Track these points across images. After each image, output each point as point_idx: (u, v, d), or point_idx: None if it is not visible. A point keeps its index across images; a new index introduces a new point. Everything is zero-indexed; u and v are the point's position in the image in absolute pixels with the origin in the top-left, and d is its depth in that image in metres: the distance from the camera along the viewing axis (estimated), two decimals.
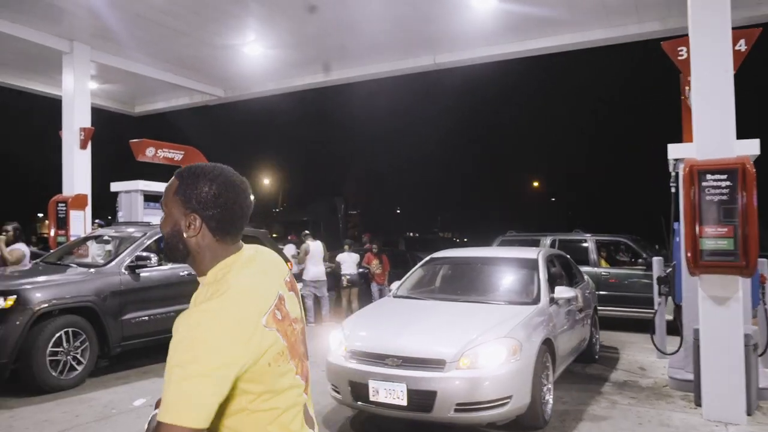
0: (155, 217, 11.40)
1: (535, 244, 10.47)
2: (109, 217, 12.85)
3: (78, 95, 10.60)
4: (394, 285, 6.39)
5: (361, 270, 11.84)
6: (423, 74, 12.31)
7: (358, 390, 4.49)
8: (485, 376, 4.28)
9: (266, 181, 48.00)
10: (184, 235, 1.40)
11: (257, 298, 1.34)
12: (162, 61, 11.45)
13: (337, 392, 4.75)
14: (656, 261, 7.27)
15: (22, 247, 7.87)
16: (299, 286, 10.43)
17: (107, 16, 9.13)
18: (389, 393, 4.28)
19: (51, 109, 14.29)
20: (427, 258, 6.74)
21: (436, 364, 4.31)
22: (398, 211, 59.67)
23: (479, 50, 10.58)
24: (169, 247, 1.44)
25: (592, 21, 9.28)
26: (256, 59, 11.02)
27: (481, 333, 4.53)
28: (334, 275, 11.59)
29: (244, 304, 1.30)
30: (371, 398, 4.38)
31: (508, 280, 6.10)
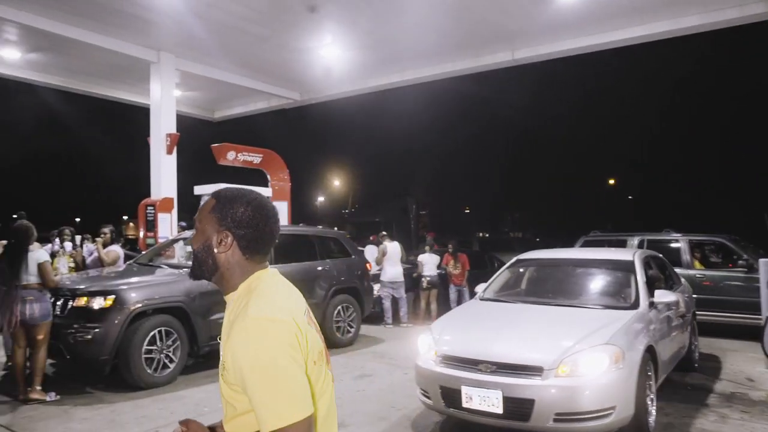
0: None
1: (622, 244, 9.95)
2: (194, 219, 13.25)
3: (164, 102, 11.04)
4: (479, 287, 6.20)
5: (440, 271, 11.68)
6: (495, 71, 12.01)
7: (450, 395, 4.35)
8: (586, 385, 4.05)
9: (336, 183, 48.57)
10: (215, 250, 1.46)
11: (297, 298, 1.46)
12: (242, 66, 11.75)
13: (427, 397, 4.63)
14: (764, 263, 6.73)
15: (117, 249, 8.25)
16: (376, 287, 10.45)
17: (192, 25, 9.45)
18: (483, 400, 4.13)
19: (133, 116, 15.00)
20: (514, 259, 6.51)
21: (533, 371, 4.12)
22: (467, 211, 58.94)
23: (560, 44, 10.23)
24: (198, 261, 1.49)
25: (687, 6, 8.72)
26: (333, 61, 11.11)
27: (580, 339, 4.29)
28: (411, 276, 11.47)
29: (289, 301, 1.41)
30: (464, 404, 4.24)
31: (602, 283, 5.78)
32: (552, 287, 5.91)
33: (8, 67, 11.80)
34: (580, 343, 4.24)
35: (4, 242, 6.99)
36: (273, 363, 1.26)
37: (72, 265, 8.26)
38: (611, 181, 54.97)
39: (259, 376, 1.26)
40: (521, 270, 6.45)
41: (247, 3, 8.64)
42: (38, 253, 5.64)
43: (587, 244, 10.60)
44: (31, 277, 5.54)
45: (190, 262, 7.37)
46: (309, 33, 9.81)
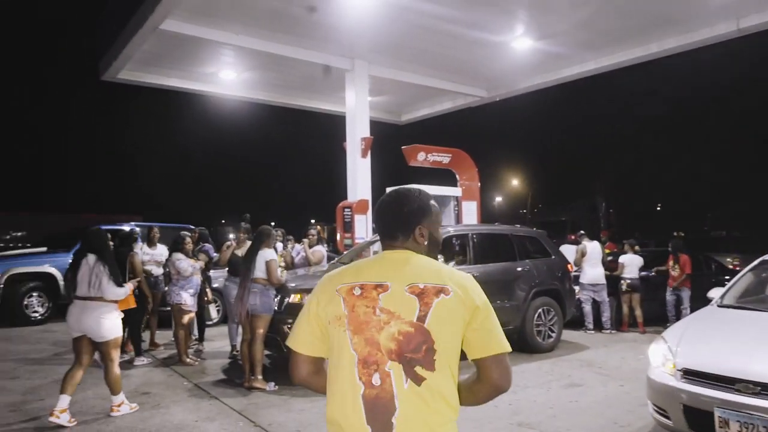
0: None
1: None
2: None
3: (358, 108, 11.48)
4: (714, 292, 5.39)
5: (643, 274, 10.60)
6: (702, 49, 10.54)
7: (697, 418, 3.75)
8: None
9: (514, 182, 47.27)
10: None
11: (355, 274, 1.67)
12: (431, 67, 11.80)
13: (665, 416, 4.05)
14: None
15: (321, 249, 8.70)
16: (575, 289, 9.78)
17: (385, 30, 9.69)
18: (746, 427, 3.47)
19: (326, 124, 15.86)
20: (759, 260, 5.55)
21: None
22: (658, 208, 53.42)
23: None
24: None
25: None
26: (523, 54, 10.67)
27: None
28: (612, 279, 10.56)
29: (342, 273, 1.71)
30: (718, 430, 3.61)
31: None
32: None
33: (226, 87, 13.20)
34: None
35: (228, 243, 7.72)
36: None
37: (282, 264, 8.89)
38: None
39: None
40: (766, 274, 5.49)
41: (441, 1, 8.58)
42: (267, 252, 6.16)
43: None
44: (259, 273, 6.08)
45: None
46: (501, 26, 9.51)
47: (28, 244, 16.60)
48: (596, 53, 10.85)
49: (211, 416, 5.16)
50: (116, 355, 5.02)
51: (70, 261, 5.29)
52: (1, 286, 9.75)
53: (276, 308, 6.34)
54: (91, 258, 4.90)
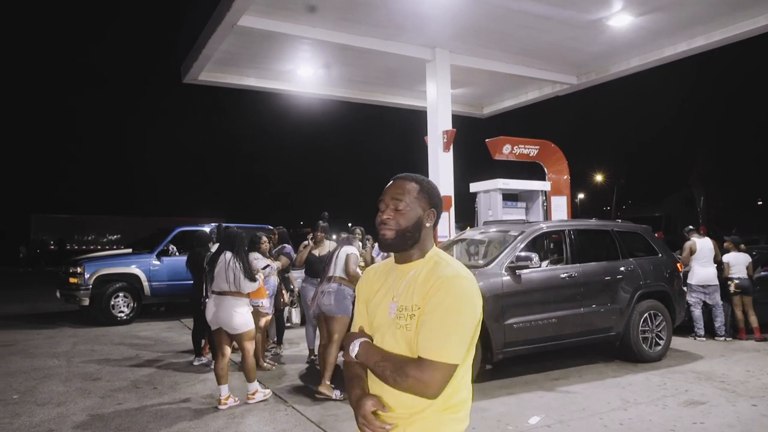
0: (513, 215, 11.08)
1: None
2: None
3: (440, 100, 10.93)
4: None
5: (764, 274, 9.39)
6: None
7: None
8: None
9: (598, 178, 45.10)
10: (426, 224, 1.79)
11: None
12: (517, 53, 11.06)
13: None
14: None
15: None
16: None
17: (468, 14, 9.07)
18: None
19: (406, 120, 15.43)
20: None
21: None
22: (759, 203, 49.04)
23: None
24: (406, 235, 1.75)
25: None
26: (621, 32, 9.71)
27: None
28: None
29: None
30: None
31: None
32: None
33: (303, 84, 13.01)
34: None
35: (306, 243, 7.40)
36: None
37: (362, 264, 8.49)
38: None
39: None
40: None
41: None
42: (349, 248, 5.98)
43: None
44: (338, 270, 5.83)
45: (480, 261, 6.89)
46: (596, 2, 8.61)
47: (122, 246, 17.26)
48: (706, 26, 9.68)
49: (287, 428, 4.78)
50: (251, 347, 5.41)
51: (209, 258, 5.67)
52: (90, 286, 9.97)
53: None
54: (228, 255, 5.30)
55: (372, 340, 1.78)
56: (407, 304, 1.69)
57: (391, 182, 1.83)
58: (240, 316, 5.26)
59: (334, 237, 8.05)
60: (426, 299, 1.64)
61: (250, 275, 5.30)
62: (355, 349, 1.75)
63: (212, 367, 6.86)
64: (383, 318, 1.76)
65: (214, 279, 5.30)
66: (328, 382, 5.60)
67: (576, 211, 39.91)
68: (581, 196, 47.57)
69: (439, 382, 1.59)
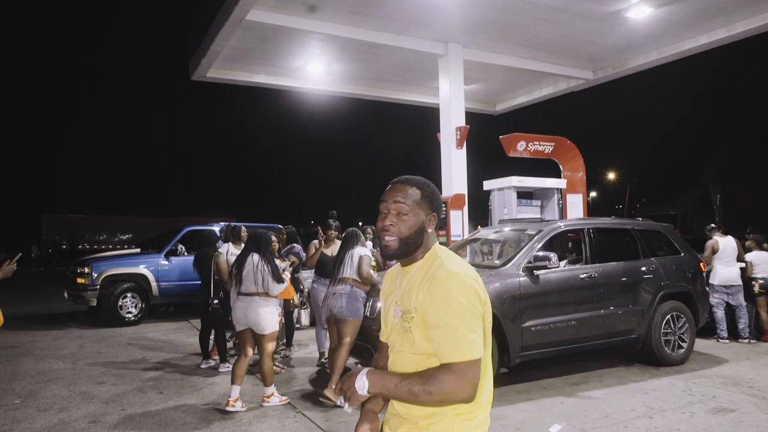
0: (528, 213, 10.81)
1: None
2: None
3: (453, 96, 10.70)
4: None
5: None
6: None
7: None
8: None
9: (611, 176, 44.55)
10: (428, 230, 1.78)
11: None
12: (531, 48, 10.79)
13: None
14: None
15: None
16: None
17: (481, 7, 8.80)
18: None
19: (417, 117, 15.20)
20: None
21: None
22: None
23: None
24: (409, 240, 1.75)
25: None
26: (640, 24, 9.40)
27: None
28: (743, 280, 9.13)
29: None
30: None
31: None
32: None
33: (314, 81, 12.82)
34: None
35: (315, 242, 7.19)
36: None
37: (374, 264, 8.26)
38: None
39: None
40: None
41: None
42: (361, 249, 5.81)
43: None
44: (351, 271, 5.65)
45: (496, 261, 6.65)
46: None
47: (132, 246, 17.16)
48: (728, 18, 9.35)
49: None
50: (271, 348, 5.35)
51: (236, 258, 5.52)
52: (98, 287, 9.82)
53: (368, 313, 5.70)
54: (255, 257, 5.25)
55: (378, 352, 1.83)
56: (407, 306, 1.71)
57: (391, 185, 1.81)
58: (270, 316, 5.27)
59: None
60: (424, 304, 1.64)
61: (278, 276, 5.28)
62: (364, 384, 1.65)
63: (220, 369, 6.72)
64: (392, 320, 1.80)
65: (242, 281, 5.24)
66: (335, 386, 5.37)
67: (589, 209, 39.45)
68: (593, 194, 47.05)
69: (472, 380, 1.58)
